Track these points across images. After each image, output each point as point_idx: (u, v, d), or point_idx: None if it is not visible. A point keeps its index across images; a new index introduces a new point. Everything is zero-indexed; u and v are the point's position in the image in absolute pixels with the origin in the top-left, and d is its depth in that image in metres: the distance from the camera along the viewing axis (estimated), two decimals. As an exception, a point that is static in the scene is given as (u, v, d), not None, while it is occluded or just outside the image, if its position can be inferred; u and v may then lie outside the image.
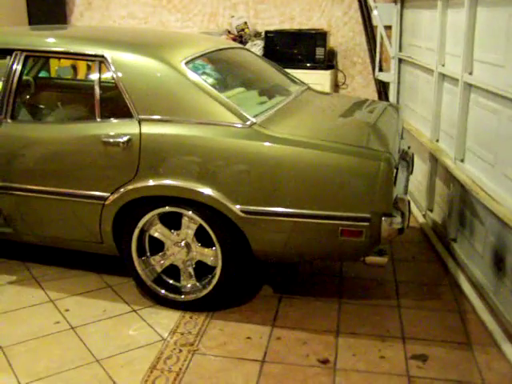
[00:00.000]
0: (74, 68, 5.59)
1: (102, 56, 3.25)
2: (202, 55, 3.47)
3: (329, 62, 6.36)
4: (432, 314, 3.32)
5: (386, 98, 6.28)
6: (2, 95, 3.41)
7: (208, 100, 3.09)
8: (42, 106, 3.96)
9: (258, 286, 3.62)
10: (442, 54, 4.40)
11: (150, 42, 3.56)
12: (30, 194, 3.38)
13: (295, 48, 6.23)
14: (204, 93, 3.10)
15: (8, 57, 3.48)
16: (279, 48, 6.19)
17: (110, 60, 3.22)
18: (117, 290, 3.55)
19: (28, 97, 3.61)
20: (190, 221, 3.15)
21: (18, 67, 3.41)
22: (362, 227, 2.90)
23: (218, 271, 3.18)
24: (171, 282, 3.34)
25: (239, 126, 3.01)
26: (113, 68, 3.21)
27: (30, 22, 6.57)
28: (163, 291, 3.32)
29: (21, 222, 3.52)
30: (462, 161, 3.89)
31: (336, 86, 6.61)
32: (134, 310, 3.32)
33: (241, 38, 6.48)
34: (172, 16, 7.00)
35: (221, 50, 3.81)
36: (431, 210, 4.68)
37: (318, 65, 6.20)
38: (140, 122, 3.11)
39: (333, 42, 6.55)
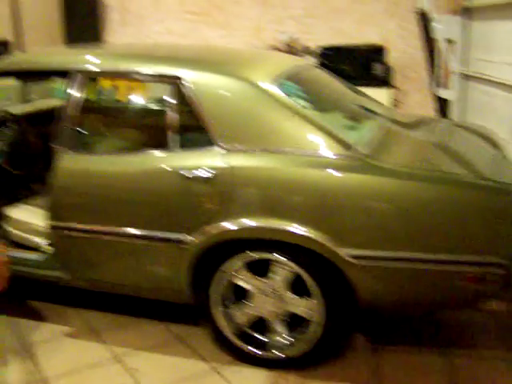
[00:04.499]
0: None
1: (177, 77, 2.84)
2: (286, 74, 3.04)
3: (385, 78, 5.95)
4: None
5: (445, 117, 5.86)
6: (59, 122, 3.00)
7: (306, 127, 2.67)
8: (105, 135, 3.54)
9: (349, 333, 3.16)
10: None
11: (228, 60, 3.15)
12: (90, 234, 2.95)
13: (349, 64, 5.82)
14: (300, 118, 2.68)
15: (64, 79, 3.09)
16: (333, 64, 5.77)
17: (186, 81, 2.81)
18: (189, 342, 3.09)
19: (89, 124, 3.20)
20: (284, 267, 2.71)
21: (76, 90, 3.00)
22: (494, 273, 2.49)
23: (316, 326, 2.73)
24: (257, 336, 2.89)
25: (345, 156, 2.59)
26: (189, 90, 2.79)
27: (67, 39, 6.25)
28: (248, 347, 2.87)
29: (79, 266, 3.10)
30: None
31: (392, 105, 6.19)
32: (215, 369, 2.87)
33: (289, 54, 6.07)
34: (213, 32, 6.62)
35: (299, 67, 3.38)
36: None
37: (374, 82, 5.79)
38: (224, 152, 2.69)
39: (388, 57, 6.13)
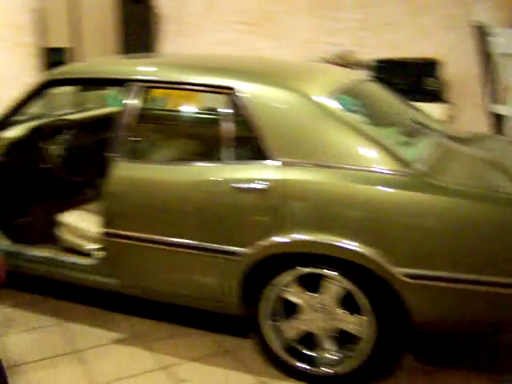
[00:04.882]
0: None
1: (230, 88, 2.85)
2: (341, 87, 3.02)
3: (439, 93, 5.85)
4: None
5: (501, 134, 5.71)
6: (114, 130, 3.05)
7: (362, 142, 2.64)
8: (158, 144, 3.59)
9: (399, 353, 3.09)
10: None
11: (283, 72, 3.15)
12: (142, 243, 2.98)
13: (402, 78, 5.74)
14: (357, 133, 2.66)
15: (120, 88, 3.15)
16: (386, 78, 5.70)
17: (239, 92, 2.81)
18: (237, 354, 3.08)
19: (143, 133, 3.24)
20: (335, 283, 2.68)
21: (131, 99, 3.04)
22: None
23: (366, 343, 2.68)
24: (305, 351, 2.85)
25: (401, 173, 2.55)
26: (243, 102, 2.80)
27: (123, 49, 6.37)
28: (297, 363, 2.84)
29: (131, 273, 3.13)
30: None
31: (446, 120, 6.08)
32: (263, 383, 2.84)
33: (341, 67, 6.04)
34: (265, 43, 6.62)
35: (354, 81, 3.35)
36: None
37: (426, 96, 5.69)
38: (278, 165, 2.68)
39: (442, 71, 6.03)
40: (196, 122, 4.09)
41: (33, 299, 3.61)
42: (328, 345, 2.80)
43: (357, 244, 2.52)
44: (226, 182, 2.75)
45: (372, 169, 2.58)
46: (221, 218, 2.79)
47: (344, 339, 2.77)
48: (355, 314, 2.69)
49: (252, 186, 2.69)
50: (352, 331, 2.73)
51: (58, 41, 6.39)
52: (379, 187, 2.53)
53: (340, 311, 2.73)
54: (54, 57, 6.18)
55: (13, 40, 6.26)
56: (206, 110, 3.94)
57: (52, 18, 6.35)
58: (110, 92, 4.66)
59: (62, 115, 3.97)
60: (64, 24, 6.41)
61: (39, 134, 3.59)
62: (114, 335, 3.24)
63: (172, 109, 4.40)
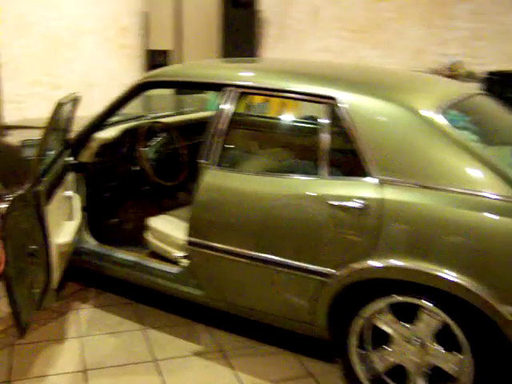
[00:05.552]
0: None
1: (332, 98, 2.68)
2: (451, 102, 2.78)
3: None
4: None
5: None
6: (209, 136, 2.95)
7: (471, 162, 2.39)
8: (251, 153, 3.48)
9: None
10: None
11: (389, 84, 2.95)
12: (227, 255, 2.86)
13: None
14: (465, 152, 2.41)
15: (216, 93, 3.05)
16: (499, 91, 5.35)
17: (341, 103, 2.64)
18: (320, 380, 2.89)
19: (236, 140, 3.14)
20: (432, 315, 2.44)
21: (229, 105, 2.93)
22: None
23: (464, 386, 2.43)
24: (395, 385, 2.63)
25: (517, 202, 2.28)
26: (345, 113, 2.62)
27: (224, 52, 6.37)
28: (385, 398, 2.62)
29: (214, 285, 3.03)
30: None
31: None
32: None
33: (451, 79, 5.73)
34: (371, 51, 6.41)
35: (466, 95, 3.09)
36: None
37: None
38: (380, 184, 2.48)
39: None
40: (292, 132, 3.94)
41: (117, 302, 3.58)
42: (419, 381, 2.56)
43: (459, 276, 2.28)
44: (323, 198, 2.58)
45: (481, 193, 2.32)
46: (313, 236, 2.62)
47: (438, 377, 2.53)
48: (453, 352, 2.44)
49: (349, 204, 2.50)
50: (447, 370, 2.47)
51: (161, 43, 6.49)
52: (488, 214, 2.28)
53: (435, 346, 2.48)
54: (155, 59, 6.27)
55: (118, 42, 6.40)
56: (303, 119, 3.78)
57: (156, 21, 6.47)
58: (210, 96, 4.61)
59: (156, 117, 3.94)
60: (167, 27, 6.52)
61: (133, 136, 3.57)
62: (194, 347, 3.14)
63: (266, 116, 4.29)
